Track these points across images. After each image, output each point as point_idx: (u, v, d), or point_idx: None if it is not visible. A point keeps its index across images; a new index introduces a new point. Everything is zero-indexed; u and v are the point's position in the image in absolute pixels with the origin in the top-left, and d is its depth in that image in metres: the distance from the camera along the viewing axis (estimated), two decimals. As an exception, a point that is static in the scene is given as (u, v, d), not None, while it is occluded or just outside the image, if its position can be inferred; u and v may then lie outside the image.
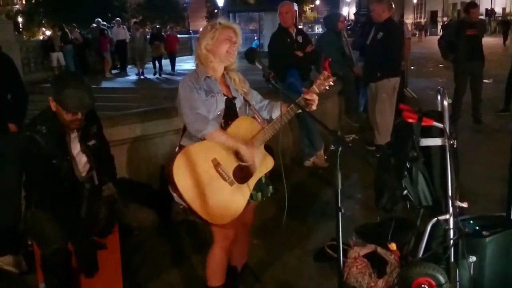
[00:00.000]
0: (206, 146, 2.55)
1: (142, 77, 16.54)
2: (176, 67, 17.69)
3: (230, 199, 2.56)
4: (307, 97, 2.64)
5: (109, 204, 2.93)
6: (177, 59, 18.28)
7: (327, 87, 2.73)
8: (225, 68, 2.76)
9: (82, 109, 2.81)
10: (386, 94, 5.88)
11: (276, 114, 2.72)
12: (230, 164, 2.57)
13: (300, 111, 2.61)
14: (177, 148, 2.66)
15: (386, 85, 5.89)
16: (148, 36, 18.07)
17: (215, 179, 2.53)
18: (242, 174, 2.60)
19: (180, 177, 2.49)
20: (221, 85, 2.72)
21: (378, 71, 5.88)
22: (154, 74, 16.90)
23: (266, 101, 2.86)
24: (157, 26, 21.34)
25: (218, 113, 2.65)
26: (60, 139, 2.84)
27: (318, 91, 2.68)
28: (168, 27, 21.75)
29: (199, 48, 2.69)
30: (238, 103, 2.75)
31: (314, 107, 2.66)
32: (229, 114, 2.68)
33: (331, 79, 2.71)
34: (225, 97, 2.69)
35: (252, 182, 2.64)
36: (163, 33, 18.68)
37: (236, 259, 3.06)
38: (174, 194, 2.57)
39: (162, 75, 16.81)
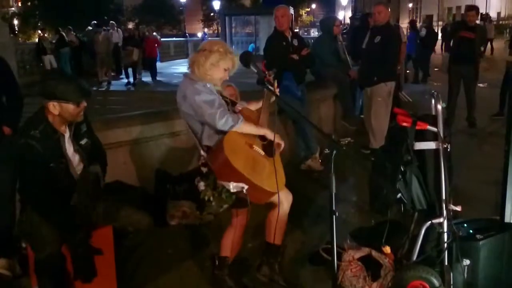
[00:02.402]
0: (236, 133, 2.84)
1: (103, 87, 14.90)
2: (172, 70, 17.40)
3: (274, 170, 2.85)
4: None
5: (95, 185, 2.99)
6: (172, 62, 17.70)
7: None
8: None
9: (87, 96, 2.88)
10: (381, 98, 5.89)
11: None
12: (258, 144, 2.95)
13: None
14: (201, 151, 2.93)
15: (381, 89, 5.90)
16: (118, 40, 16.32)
17: (256, 157, 2.88)
18: (269, 149, 2.94)
19: (236, 161, 2.71)
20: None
21: (375, 75, 5.89)
22: (127, 84, 15.16)
23: None
24: (131, 28, 18.55)
25: None
26: (55, 142, 2.83)
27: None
28: (146, 28, 19.19)
29: (203, 61, 2.88)
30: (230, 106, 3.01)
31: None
32: None
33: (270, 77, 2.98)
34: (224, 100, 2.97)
35: (277, 154, 2.98)
36: (139, 36, 16.48)
37: (233, 251, 3.21)
38: (230, 183, 2.73)
39: (133, 86, 14.87)
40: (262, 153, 2.91)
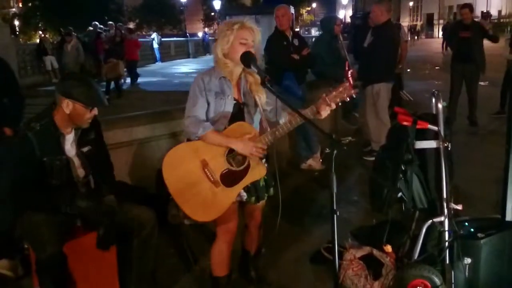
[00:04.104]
0: (198, 145, 2.63)
1: None
2: (174, 70, 17.21)
3: (213, 200, 2.63)
4: (321, 111, 2.59)
5: (109, 215, 2.92)
6: (173, 62, 17.40)
7: (347, 99, 2.57)
8: (243, 69, 2.72)
9: (101, 104, 2.89)
10: (372, 100, 5.95)
11: (281, 119, 2.71)
12: (219, 167, 2.63)
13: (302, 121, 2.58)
14: (185, 139, 2.77)
15: (368, 92, 5.97)
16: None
17: (201, 179, 2.62)
18: (230, 178, 2.65)
19: (168, 170, 2.61)
20: (234, 88, 2.75)
21: (360, 79, 5.95)
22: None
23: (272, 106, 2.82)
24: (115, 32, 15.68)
25: (224, 114, 2.70)
26: (53, 138, 2.84)
27: (329, 103, 2.57)
28: (125, 28, 17.50)
29: (215, 51, 2.70)
30: (247, 107, 2.78)
31: (323, 117, 2.62)
32: (236, 118, 2.73)
33: (351, 92, 2.56)
34: (235, 102, 2.73)
35: (239, 187, 2.68)
36: (120, 37, 14.83)
37: (248, 245, 3.21)
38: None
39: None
40: (213, 178, 2.61)
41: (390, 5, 6.06)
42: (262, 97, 2.75)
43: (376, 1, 6.07)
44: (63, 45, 15.72)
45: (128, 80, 15.52)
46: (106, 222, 2.86)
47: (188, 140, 2.73)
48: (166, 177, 2.61)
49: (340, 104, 2.61)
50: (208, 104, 2.68)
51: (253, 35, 2.65)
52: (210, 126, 2.63)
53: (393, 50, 6.18)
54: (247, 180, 2.69)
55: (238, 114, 2.75)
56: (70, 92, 2.79)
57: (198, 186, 2.61)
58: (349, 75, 2.62)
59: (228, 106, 2.70)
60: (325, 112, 2.61)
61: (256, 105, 2.77)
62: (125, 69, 14.48)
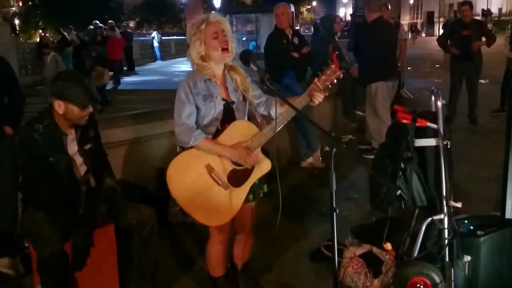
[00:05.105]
0: (199, 152, 2.59)
1: None
2: (174, 68, 17.21)
3: (225, 203, 2.61)
4: (313, 98, 2.59)
5: (110, 194, 2.95)
6: (173, 61, 17.43)
7: (335, 81, 2.57)
8: (225, 66, 2.72)
9: (94, 102, 2.87)
10: (371, 99, 5.96)
11: (273, 110, 2.68)
12: (224, 169, 2.61)
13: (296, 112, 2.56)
14: (178, 148, 2.71)
15: (368, 91, 5.99)
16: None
17: (209, 184, 2.59)
18: (237, 177, 2.63)
19: (173, 182, 2.56)
20: (220, 87, 2.70)
21: (359, 78, 5.94)
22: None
23: (264, 97, 2.83)
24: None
25: (215, 117, 2.66)
26: (55, 138, 2.84)
27: (321, 88, 2.57)
28: (108, 26, 16.55)
29: (191, 58, 2.65)
30: (236, 105, 2.74)
31: (316, 103, 2.62)
32: (227, 118, 2.69)
33: (338, 73, 2.56)
34: (224, 102, 2.69)
35: (248, 185, 2.67)
36: (101, 37, 14.51)
37: (237, 257, 3.12)
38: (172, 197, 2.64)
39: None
40: (222, 181, 2.59)
41: (377, 4, 5.96)
42: (250, 91, 2.74)
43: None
44: (43, 57, 15.29)
45: (125, 79, 15.54)
46: (107, 197, 2.89)
47: (181, 148, 2.67)
48: (173, 189, 2.56)
49: (329, 86, 2.59)
50: (198, 109, 2.63)
51: (222, 26, 2.62)
52: (202, 134, 2.58)
53: (387, 48, 6.02)
54: (254, 176, 2.68)
55: (228, 113, 2.70)
56: (61, 93, 2.77)
57: (208, 192, 2.58)
58: (334, 58, 2.57)
59: (218, 108, 2.66)
60: (317, 99, 2.60)
61: (245, 100, 2.76)
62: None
